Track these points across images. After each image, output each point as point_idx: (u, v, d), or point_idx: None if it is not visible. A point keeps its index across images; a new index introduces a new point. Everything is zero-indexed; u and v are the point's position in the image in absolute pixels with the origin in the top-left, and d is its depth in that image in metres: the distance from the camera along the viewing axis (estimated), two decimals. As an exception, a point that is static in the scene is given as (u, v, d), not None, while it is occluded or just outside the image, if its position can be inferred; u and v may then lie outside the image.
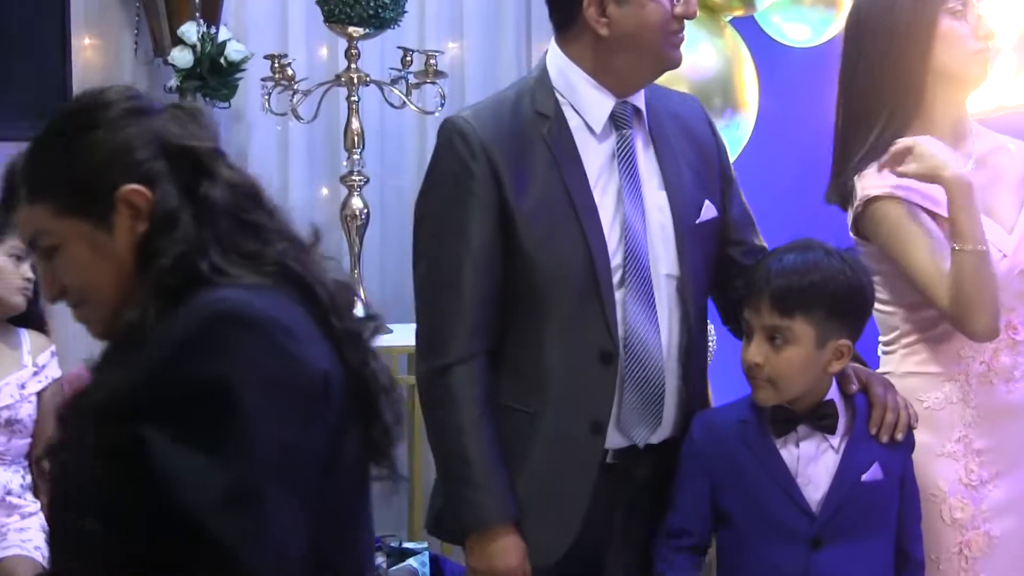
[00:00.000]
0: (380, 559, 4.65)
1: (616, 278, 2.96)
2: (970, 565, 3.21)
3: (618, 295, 2.96)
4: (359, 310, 4.17)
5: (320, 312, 1.99)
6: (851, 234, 3.20)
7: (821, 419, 2.92)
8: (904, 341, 3.09)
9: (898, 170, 3.03)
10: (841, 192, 3.22)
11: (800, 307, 2.86)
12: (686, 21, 2.91)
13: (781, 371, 2.88)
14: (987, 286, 2.96)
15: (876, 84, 3.24)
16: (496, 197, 2.90)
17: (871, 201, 3.13)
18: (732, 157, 4.61)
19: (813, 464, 2.92)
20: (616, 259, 2.96)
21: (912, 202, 3.09)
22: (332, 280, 2.08)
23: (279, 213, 2.08)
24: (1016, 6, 5.23)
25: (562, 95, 2.98)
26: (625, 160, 3.02)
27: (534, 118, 2.97)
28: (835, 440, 2.91)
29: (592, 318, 2.96)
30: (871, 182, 3.12)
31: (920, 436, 3.05)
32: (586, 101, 2.98)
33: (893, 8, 3.19)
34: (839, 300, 2.90)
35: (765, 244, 3.28)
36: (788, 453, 2.92)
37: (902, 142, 3.03)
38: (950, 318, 3.00)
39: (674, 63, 2.99)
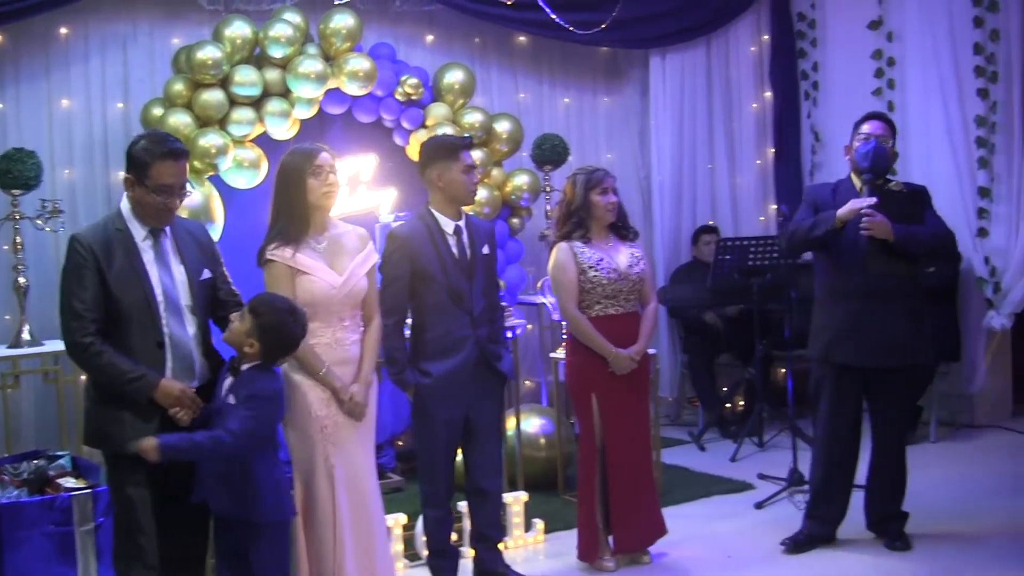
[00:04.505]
0: (43, 461, 6.16)
1: (162, 308, 4.84)
2: (325, 436, 5.22)
3: (164, 315, 4.83)
4: (26, 334, 7.39)
5: None
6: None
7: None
8: None
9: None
10: (261, 256, 5.24)
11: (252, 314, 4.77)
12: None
13: (233, 337, 4.83)
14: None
15: (283, 209, 5.25)
16: (97, 269, 4.73)
17: (268, 260, 5.21)
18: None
19: None
20: (160, 298, 4.84)
21: (284, 263, 5.15)
22: None
23: None
24: (350, 164, 8.26)
25: (128, 221, 4.86)
26: (159, 251, 4.89)
27: (115, 232, 4.81)
28: None
29: (150, 327, 4.81)
30: (271, 251, 5.19)
31: (297, 376, 5.18)
32: (136, 225, 4.87)
33: (292, 179, 5.24)
34: (268, 331, 4.80)
35: (236, 290, 5.23)
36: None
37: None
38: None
39: (161, 224, 4.88)
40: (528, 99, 10.15)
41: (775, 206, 10.55)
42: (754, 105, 10.89)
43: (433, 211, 5.89)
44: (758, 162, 10.94)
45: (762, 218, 10.85)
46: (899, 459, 6.63)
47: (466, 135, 6.68)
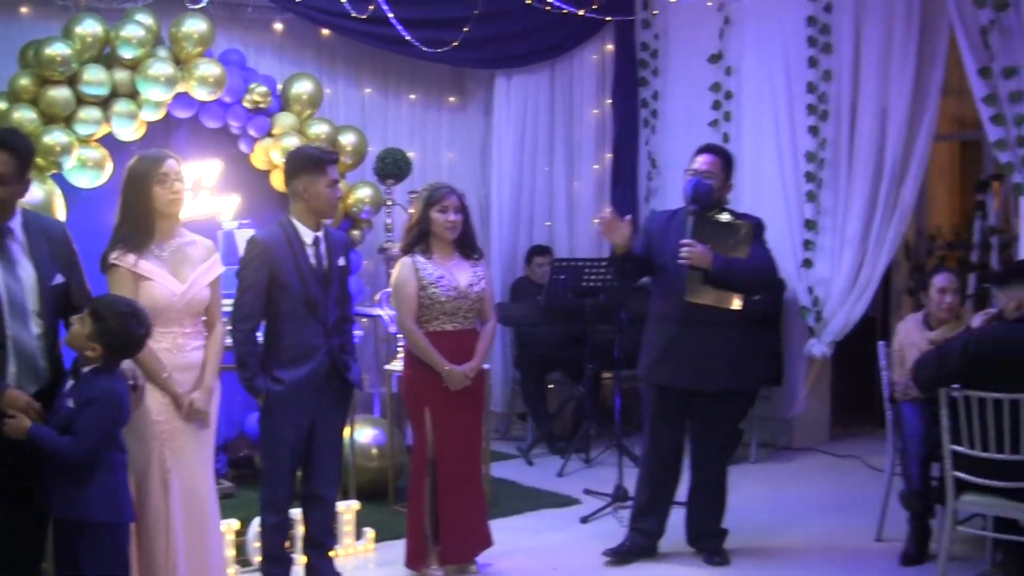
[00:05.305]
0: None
1: (6, 312, 4.82)
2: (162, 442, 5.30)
3: (8, 318, 4.83)
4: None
5: None
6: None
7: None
8: None
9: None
10: (105, 261, 5.29)
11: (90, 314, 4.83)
12: None
13: (75, 341, 4.82)
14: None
15: (128, 215, 5.30)
16: None
17: (112, 265, 5.27)
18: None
19: None
20: (5, 301, 4.81)
21: (127, 269, 5.21)
22: None
23: None
24: (194, 169, 8.08)
25: None
26: (6, 253, 4.87)
27: None
28: None
29: None
30: (114, 256, 5.26)
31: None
32: None
33: (138, 186, 5.30)
34: (110, 334, 4.82)
35: (90, 290, 5.18)
36: None
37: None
38: None
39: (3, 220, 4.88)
40: (374, 113, 10.27)
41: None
42: (594, 127, 11.20)
43: (294, 221, 5.95)
44: (595, 186, 11.24)
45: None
46: (719, 479, 6.92)
47: (332, 150, 6.73)
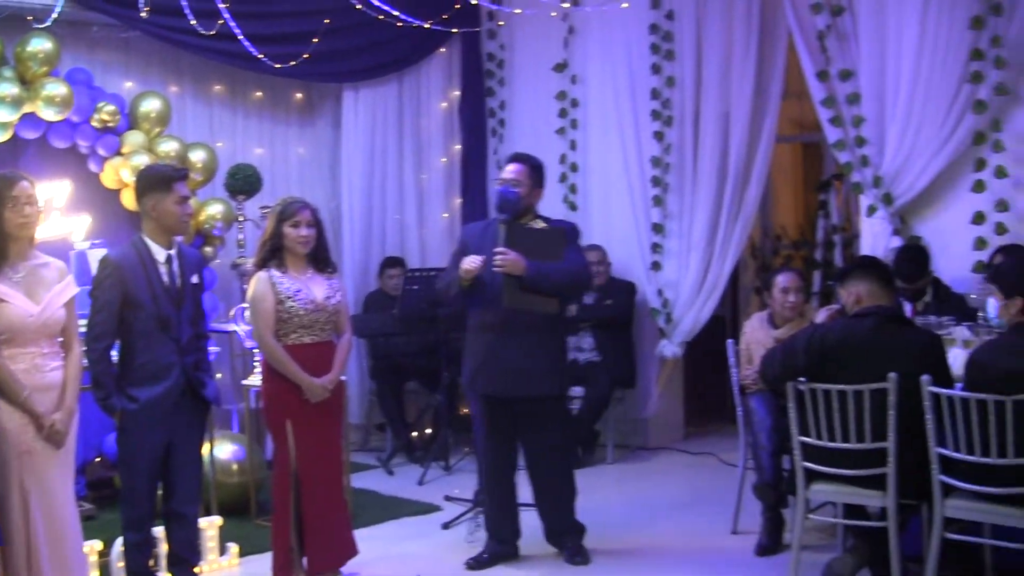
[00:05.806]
0: None
1: None
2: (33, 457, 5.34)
3: None
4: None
5: None
6: None
7: None
8: None
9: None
10: None
11: None
12: None
13: None
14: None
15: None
16: None
17: None
18: None
19: None
20: None
21: None
22: None
23: None
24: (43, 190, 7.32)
25: None
26: None
27: None
28: None
29: None
30: None
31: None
32: None
33: None
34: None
35: None
36: None
37: None
38: None
39: None
40: (223, 129, 10.21)
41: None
42: (442, 141, 11.27)
43: (146, 239, 5.98)
44: (444, 192, 11.28)
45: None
46: (560, 480, 7.06)
47: (181, 167, 6.75)
